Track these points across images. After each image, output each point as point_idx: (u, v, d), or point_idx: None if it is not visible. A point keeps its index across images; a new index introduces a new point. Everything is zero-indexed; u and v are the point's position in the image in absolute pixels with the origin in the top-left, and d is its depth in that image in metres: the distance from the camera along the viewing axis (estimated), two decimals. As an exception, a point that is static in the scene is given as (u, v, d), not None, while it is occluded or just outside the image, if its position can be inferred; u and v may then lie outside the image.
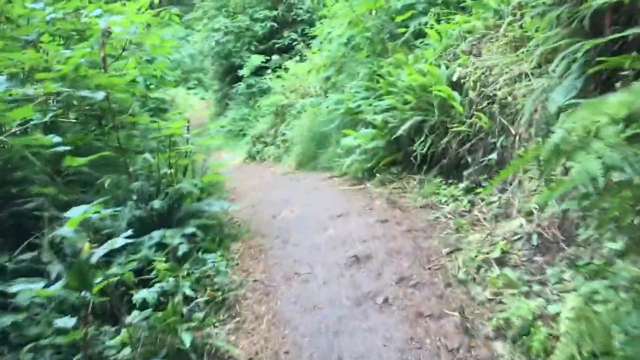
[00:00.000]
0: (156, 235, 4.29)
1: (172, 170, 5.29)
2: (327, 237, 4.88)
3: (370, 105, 6.99)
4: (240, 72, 15.75)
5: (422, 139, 5.92)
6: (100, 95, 4.51)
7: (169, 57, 28.87)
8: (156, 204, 4.66)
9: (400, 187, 5.89)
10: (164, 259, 4.07)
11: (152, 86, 9.41)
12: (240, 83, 15.93)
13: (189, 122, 7.11)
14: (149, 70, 9.33)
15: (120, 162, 4.96)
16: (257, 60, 15.40)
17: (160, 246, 4.38)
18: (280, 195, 6.48)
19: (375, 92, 7.22)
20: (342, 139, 7.29)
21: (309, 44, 13.80)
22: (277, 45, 15.98)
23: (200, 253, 4.38)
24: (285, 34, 16.00)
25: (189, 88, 29.40)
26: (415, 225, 4.80)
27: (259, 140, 12.38)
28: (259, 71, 15.50)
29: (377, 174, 6.37)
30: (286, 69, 13.29)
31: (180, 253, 4.27)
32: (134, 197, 4.63)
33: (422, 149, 5.85)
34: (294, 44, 15.29)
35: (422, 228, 4.73)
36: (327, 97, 10.87)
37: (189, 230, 4.52)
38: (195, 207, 4.92)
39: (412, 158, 6.02)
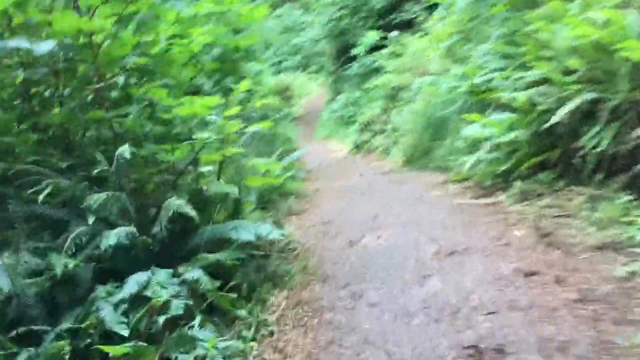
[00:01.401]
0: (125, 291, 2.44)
1: (195, 171, 3.46)
2: (426, 296, 2.76)
3: (507, 78, 4.68)
4: (354, 51, 13.75)
5: (596, 129, 3.56)
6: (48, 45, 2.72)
7: (290, 42, 27.63)
8: (157, 227, 2.84)
9: (556, 207, 3.56)
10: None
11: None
12: (353, 64, 13.94)
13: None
14: (232, 42, 7.65)
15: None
16: (373, 37, 13.28)
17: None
18: (369, 208, 4.40)
19: (514, 60, 4.89)
20: (463, 127, 5.08)
21: (433, 16, 11.46)
22: (396, 21, 13.74)
23: (198, 322, 2.47)
24: (407, 7, 13.71)
25: (310, 73, 28.08)
26: (592, 290, 2.54)
27: (368, 128, 10.33)
28: (375, 50, 13.39)
29: (517, 182, 4.09)
30: (402, 45, 11.07)
31: (162, 320, 2.41)
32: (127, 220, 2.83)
33: (596, 146, 3.51)
34: (415, 17, 12.96)
35: (606, 297, 2.46)
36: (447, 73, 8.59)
37: (192, 273, 2.65)
38: (216, 232, 3.04)
39: (576, 159, 3.71)
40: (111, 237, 2.50)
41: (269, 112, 9.03)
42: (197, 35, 6.29)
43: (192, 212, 2.68)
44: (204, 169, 3.76)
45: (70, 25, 2.88)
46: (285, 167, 4.64)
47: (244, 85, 4.01)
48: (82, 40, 3.09)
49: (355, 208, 4.48)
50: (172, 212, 2.68)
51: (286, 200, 4.57)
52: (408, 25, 13.18)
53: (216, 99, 3.43)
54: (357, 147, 10.38)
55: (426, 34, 11.04)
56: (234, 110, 3.57)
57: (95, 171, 2.71)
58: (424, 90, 7.90)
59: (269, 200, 4.45)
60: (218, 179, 3.66)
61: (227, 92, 7.18)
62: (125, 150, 2.70)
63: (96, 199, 2.58)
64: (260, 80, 9.31)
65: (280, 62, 29.34)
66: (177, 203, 2.70)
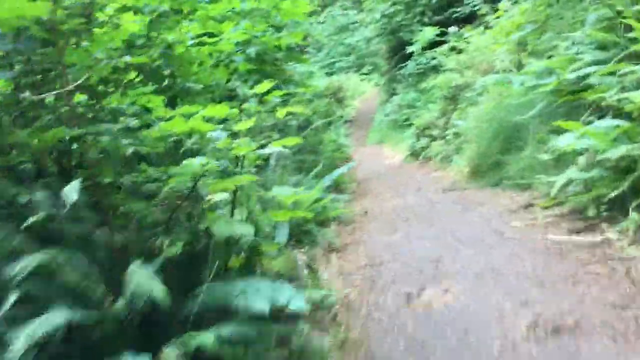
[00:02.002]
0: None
1: (196, 207, 2.56)
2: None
3: (613, 73, 3.58)
4: (409, 49, 12.68)
5: None
6: None
7: (343, 42, 26.73)
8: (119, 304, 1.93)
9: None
10: None
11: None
12: (408, 62, 12.87)
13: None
14: (272, 40, 6.80)
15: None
16: (430, 33, 12.17)
17: None
18: (431, 245, 3.34)
19: (618, 49, 3.78)
20: (551, 136, 4.00)
21: (496, 8, 10.26)
22: (455, 15, 12.60)
23: None
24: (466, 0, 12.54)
25: (363, 74, 27.07)
26: None
27: (425, 133, 9.25)
28: (432, 47, 12.28)
29: (634, 215, 2.99)
30: (465, 40, 9.93)
31: None
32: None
33: None
34: (476, 9, 11.76)
35: None
36: (519, 70, 7.44)
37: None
38: (215, 296, 2.13)
39: None
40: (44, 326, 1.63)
41: (316, 117, 8.11)
42: (227, 32, 5.45)
43: (159, 291, 1.76)
44: (219, 197, 2.88)
45: (12, 10, 2.05)
46: (324, 189, 3.71)
47: (265, 86, 3.09)
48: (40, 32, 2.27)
49: (412, 243, 3.45)
50: (132, 287, 1.77)
51: (325, 232, 3.63)
52: (468, 20, 11.98)
53: (224, 109, 2.52)
54: (413, 153, 9.32)
55: (489, 27, 9.89)
56: (246, 124, 2.64)
57: (30, 220, 1.84)
58: (491, 90, 6.79)
59: (305, 231, 3.52)
60: (232, 214, 2.76)
61: (262, 96, 6.32)
62: (72, 190, 1.82)
63: (25, 265, 1.72)
64: (306, 83, 8.42)
65: (333, 63, 28.48)
66: (138, 278, 1.80)
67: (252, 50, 6.16)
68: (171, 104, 4.00)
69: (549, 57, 5.55)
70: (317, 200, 3.68)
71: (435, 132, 8.86)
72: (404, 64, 13.01)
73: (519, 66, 7.66)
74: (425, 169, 7.83)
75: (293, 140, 2.74)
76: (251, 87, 6.34)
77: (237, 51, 6.31)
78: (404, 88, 12.94)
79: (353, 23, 28.35)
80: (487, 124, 5.69)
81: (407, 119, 11.67)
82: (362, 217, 4.43)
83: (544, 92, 4.49)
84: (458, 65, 9.17)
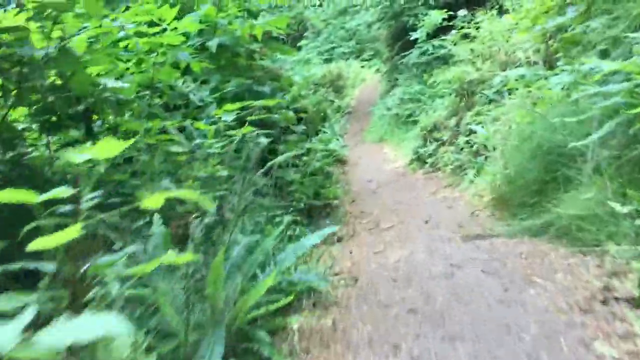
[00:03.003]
0: None
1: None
2: None
3: None
4: (413, 35, 11.18)
5: None
6: None
7: (343, 26, 25.11)
8: None
9: None
10: None
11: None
12: (412, 50, 11.38)
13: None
14: (243, 28, 5.37)
15: None
16: (436, 17, 10.66)
17: None
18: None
19: None
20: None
21: (513, -12, 8.75)
22: (465, -4, 11.09)
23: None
24: (478, -21, 11.00)
25: (364, 60, 25.49)
26: None
27: (432, 135, 7.82)
28: (439, 33, 10.79)
29: None
30: (477, 26, 8.46)
31: None
32: None
33: None
34: (490, -10, 10.25)
35: None
36: (549, 65, 6.02)
37: None
38: None
39: None
40: None
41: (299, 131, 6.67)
42: (171, 21, 4.04)
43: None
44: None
45: None
46: (285, 269, 2.34)
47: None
48: None
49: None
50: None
51: (281, 349, 2.23)
52: (480, 2, 10.49)
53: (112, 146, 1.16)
54: (419, 158, 7.90)
55: (505, 10, 8.42)
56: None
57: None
58: (518, 89, 5.36)
59: (247, 349, 2.15)
60: None
61: (225, 101, 4.87)
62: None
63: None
64: (292, 78, 6.99)
65: (332, 48, 26.88)
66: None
67: (213, 43, 4.72)
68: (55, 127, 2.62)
69: (604, 51, 4.13)
70: (276, 288, 2.33)
71: (444, 135, 7.44)
72: (407, 52, 11.52)
73: (550, 59, 6.23)
74: (433, 183, 6.41)
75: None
76: (215, 89, 4.92)
77: (193, 44, 4.90)
78: (406, 79, 11.45)
79: (354, 6, 26.65)
80: (517, 138, 4.28)
81: (410, 115, 10.21)
82: (350, 288, 3.02)
83: (610, 107, 3.08)
84: (471, 56, 7.72)
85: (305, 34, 28.05)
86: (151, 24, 4.08)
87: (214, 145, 3.10)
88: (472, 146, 6.30)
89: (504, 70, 7.03)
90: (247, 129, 3.21)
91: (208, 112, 4.40)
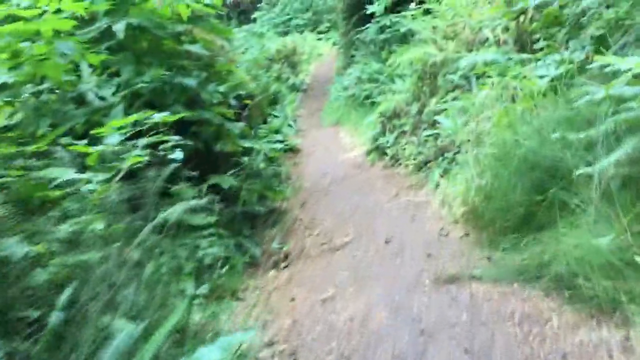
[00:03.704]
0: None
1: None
2: None
3: None
4: (370, 9, 10.25)
5: None
6: None
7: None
8: None
9: None
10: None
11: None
12: (369, 25, 10.47)
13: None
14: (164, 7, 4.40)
15: None
16: (395, -12, 9.78)
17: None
18: None
19: None
20: None
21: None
22: (425, -34, 10.20)
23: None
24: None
25: (320, 32, 24.39)
26: None
27: (392, 123, 7.00)
28: (398, 7, 9.91)
29: None
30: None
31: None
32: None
33: None
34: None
35: None
36: (524, 46, 5.29)
37: None
38: None
39: None
40: None
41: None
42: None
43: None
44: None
45: None
46: None
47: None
48: None
49: None
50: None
51: None
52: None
53: None
54: (377, 148, 7.10)
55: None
56: None
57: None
58: (491, 82, 4.57)
59: None
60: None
61: (140, 99, 3.89)
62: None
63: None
64: (230, 63, 6.00)
65: (289, 20, 25.64)
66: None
67: (119, 27, 3.72)
68: None
69: (600, 37, 3.36)
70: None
71: (405, 124, 6.63)
72: (363, 27, 10.61)
73: (522, 39, 5.45)
74: (394, 182, 5.63)
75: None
76: (127, 84, 3.94)
77: (99, 28, 3.88)
78: (364, 56, 10.56)
79: (308, -25, 25.39)
80: (496, 145, 3.49)
81: (368, 97, 9.36)
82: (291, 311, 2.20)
83: (625, 119, 2.30)
84: (433, 34, 6.88)
85: (259, 5, 26.70)
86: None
87: (94, 181, 2.19)
88: (436, 139, 5.52)
89: (470, 51, 6.24)
90: (135, 159, 2.30)
91: (114, 116, 3.45)
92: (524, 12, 5.35)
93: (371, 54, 10.29)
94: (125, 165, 2.27)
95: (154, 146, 2.97)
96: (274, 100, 9.86)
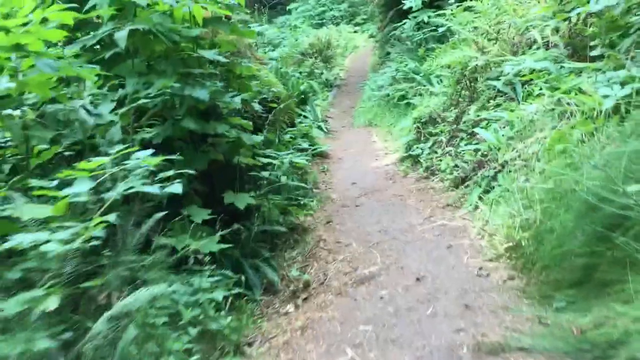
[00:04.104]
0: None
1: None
2: None
3: None
4: (407, 3, 9.68)
5: None
6: None
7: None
8: None
9: None
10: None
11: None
12: (405, 21, 9.91)
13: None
14: (178, 9, 4.00)
15: None
16: (433, -18, 9.18)
17: None
18: None
19: None
20: None
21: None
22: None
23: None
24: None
25: (357, 24, 23.81)
26: None
27: (427, 129, 6.49)
28: (437, 1, 9.32)
29: None
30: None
31: None
32: None
33: None
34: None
35: None
36: (576, 51, 4.75)
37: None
38: None
39: None
40: None
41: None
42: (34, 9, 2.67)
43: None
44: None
45: None
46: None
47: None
48: None
49: None
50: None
51: None
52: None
53: None
54: (410, 157, 6.60)
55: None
56: None
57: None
58: (541, 99, 4.01)
59: None
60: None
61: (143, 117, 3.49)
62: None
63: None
64: (251, 67, 5.58)
65: (323, 12, 25.09)
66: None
67: (121, 36, 3.33)
68: None
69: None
70: None
71: (442, 132, 6.10)
72: (399, 23, 10.06)
73: (575, 43, 4.86)
74: (428, 198, 5.14)
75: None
76: (124, 100, 3.54)
77: (101, 35, 3.50)
78: (399, 54, 10.01)
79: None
80: (551, 179, 2.97)
81: (403, 97, 8.84)
82: None
83: None
84: (475, 35, 6.30)
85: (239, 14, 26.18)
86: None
87: (55, 239, 1.77)
88: (476, 153, 4.99)
89: (514, 54, 5.67)
90: (97, 225, 1.89)
91: (111, 138, 3.08)
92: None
93: (407, 51, 9.75)
94: (92, 226, 1.86)
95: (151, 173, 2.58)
96: (304, 100, 9.43)
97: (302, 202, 5.37)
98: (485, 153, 4.81)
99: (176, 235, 3.26)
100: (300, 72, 13.82)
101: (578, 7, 4.24)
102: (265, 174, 4.65)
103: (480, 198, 4.40)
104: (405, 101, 8.65)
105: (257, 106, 5.73)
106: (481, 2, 6.60)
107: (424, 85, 8.17)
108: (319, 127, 8.88)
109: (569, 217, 2.58)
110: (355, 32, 22.38)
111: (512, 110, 4.60)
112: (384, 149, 7.84)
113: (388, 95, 9.42)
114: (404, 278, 3.45)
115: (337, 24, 22.81)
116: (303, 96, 9.42)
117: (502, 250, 3.36)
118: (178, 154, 2.98)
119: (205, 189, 4.17)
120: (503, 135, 4.58)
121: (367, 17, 22.97)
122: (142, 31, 3.69)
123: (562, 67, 4.23)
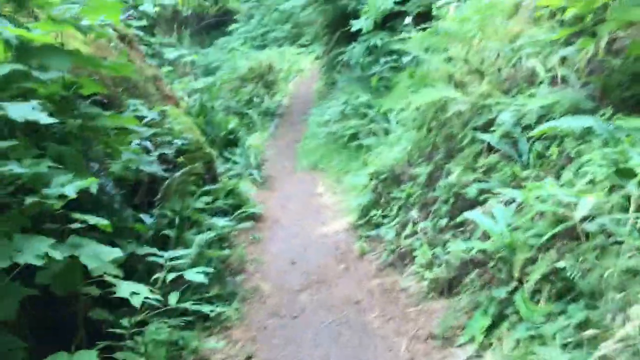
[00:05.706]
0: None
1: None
2: None
3: None
4: (355, 25, 8.06)
5: None
6: None
7: (277, 8, 21.48)
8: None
9: None
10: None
11: None
12: (354, 45, 8.28)
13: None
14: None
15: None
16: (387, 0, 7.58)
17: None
18: None
19: None
20: None
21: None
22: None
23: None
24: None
25: (301, 46, 22.17)
26: None
27: (388, 190, 4.81)
28: (392, 21, 7.75)
29: None
30: (446, 12, 5.45)
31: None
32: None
33: None
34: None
35: None
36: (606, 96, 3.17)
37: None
38: None
39: None
40: None
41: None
42: None
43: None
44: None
45: None
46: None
47: None
48: None
49: None
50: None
51: None
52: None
53: None
54: (368, 224, 4.90)
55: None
56: None
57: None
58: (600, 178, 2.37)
59: None
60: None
61: None
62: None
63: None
64: (123, 117, 3.72)
65: (266, 33, 23.42)
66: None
67: None
68: None
69: None
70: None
71: (409, 197, 4.42)
72: (350, 46, 8.43)
73: (599, 81, 3.27)
74: (400, 314, 3.41)
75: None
76: None
77: None
78: (348, 83, 8.36)
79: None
80: None
81: (354, 136, 7.18)
82: None
83: None
84: (446, 64, 4.68)
85: (236, 17, 24.45)
86: None
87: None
88: (468, 244, 3.30)
89: (505, 93, 4.07)
90: None
91: None
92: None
93: (357, 80, 8.10)
94: None
95: None
96: (233, 141, 7.59)
97: (211, 315, 3.55)
98: (484, 244, 3.12)
99: None
100: (238, 101, 12.03)
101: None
102: (137, 300, 2.79)
103: (486, 332, 2.70)
104: (357, 142, 6.97)
105: (152, 168, 3.93)
106: (453, 20, 5.02)
107: (379, 124, 6.54)
108: (252, 177, 7.06)
109: None
110: (299, 54, 20.76)
111: (524, 187, 2.94)
112: (333, 206, 6.10)
113: (335, 133, 7.72)
114: None
115: (281, 46, 21.18)
116: (232, 136, 7.59)
117: None
118: None
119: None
120: (509, 221, 2.94)
121: (313, 38, 21.44)
122: None
123: (610, 124, 2.61)
